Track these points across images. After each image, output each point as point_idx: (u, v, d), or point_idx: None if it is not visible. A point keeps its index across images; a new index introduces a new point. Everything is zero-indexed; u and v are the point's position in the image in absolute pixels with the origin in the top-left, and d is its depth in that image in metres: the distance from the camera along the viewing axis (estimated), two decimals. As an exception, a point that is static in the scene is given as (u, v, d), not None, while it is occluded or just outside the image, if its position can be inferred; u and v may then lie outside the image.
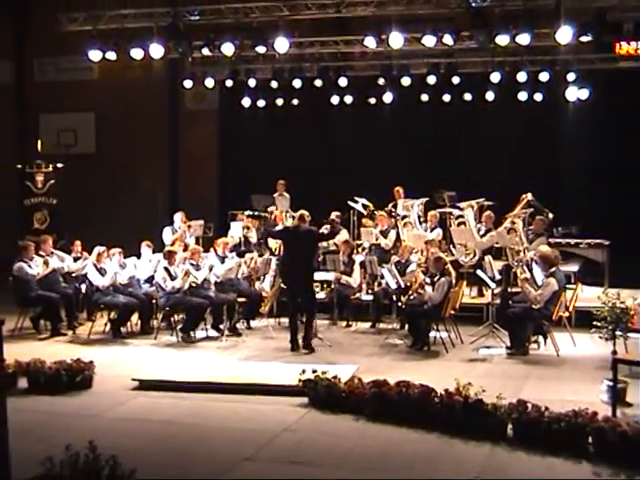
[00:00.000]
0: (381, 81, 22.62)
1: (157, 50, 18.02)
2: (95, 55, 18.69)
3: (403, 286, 15.82)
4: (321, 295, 17.18)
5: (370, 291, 17.68)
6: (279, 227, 18.18)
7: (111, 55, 18.66)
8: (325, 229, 15.92)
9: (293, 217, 19.78)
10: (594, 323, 11.78)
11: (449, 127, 23.18)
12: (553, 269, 14.32)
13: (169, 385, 12.15)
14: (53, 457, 5.25)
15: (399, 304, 15.88)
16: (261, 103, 24.19)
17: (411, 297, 15.23)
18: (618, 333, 11.61)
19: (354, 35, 20.41)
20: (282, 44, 17.57)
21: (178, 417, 10.82)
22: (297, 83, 22.94)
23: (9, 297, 16.25)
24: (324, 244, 18.61)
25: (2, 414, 5.71)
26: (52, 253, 17.02)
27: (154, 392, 11.91)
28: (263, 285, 17.27)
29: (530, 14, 16.23)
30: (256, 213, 20.58)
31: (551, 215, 18.24)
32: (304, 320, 14.83)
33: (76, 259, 17.38)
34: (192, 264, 16.21)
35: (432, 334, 14.94)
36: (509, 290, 16.12)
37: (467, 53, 20.45)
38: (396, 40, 16.93)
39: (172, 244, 17.81)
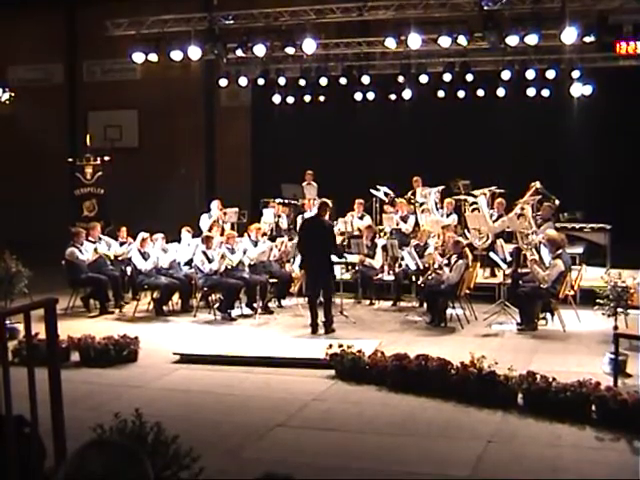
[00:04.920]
0: (401, 79, 22.49)
1: (195, 52, 18.03)
2: (138, 57, 18.70)
3: (422, 267, 15.84)
4: (346, 276, 17.19)
5: (391, 272, 17.63)
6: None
7: (153, 57, 18.65)
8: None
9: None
10: (597, 301, 11.82)
11: (464, 121, 23.05)
12: (559, 251, 14.29)
13: (207, 358, 12.24)
14: (103, 424, 5.30)
15: (418, 284, 15.87)
16: (290, 100, 24.11)
17: (429, 277, 15.24)
18: (619, 310, 11.63)
19: (376, 36, 20.32)
20: (309, 45, 17.52)
21: (216, 387, 10.90)
22: (323, 81, 22.83)
23: (62, 279, 16.38)
24: (349, 229, 18.67)
25: (57, 385, 5.76)
26: (100, 239, 17.16)
27: (193, 365, 12.00)
28: (293, 267, 17.29)
29: (537, 16, 16.13)
30: (286, 201, 20.63)
31: (557, 202, 18.18)
32: (323, 300, 14.55)
33: (122, 244, 17.47)
34: (228, 248, 16.27)
35: (449, 311, 14.96)
36: (519, 271, 16.06)
37: (480, 53, 20.30)
38: (414, 41, 16.85)
39: (209, 230, 17.84)
